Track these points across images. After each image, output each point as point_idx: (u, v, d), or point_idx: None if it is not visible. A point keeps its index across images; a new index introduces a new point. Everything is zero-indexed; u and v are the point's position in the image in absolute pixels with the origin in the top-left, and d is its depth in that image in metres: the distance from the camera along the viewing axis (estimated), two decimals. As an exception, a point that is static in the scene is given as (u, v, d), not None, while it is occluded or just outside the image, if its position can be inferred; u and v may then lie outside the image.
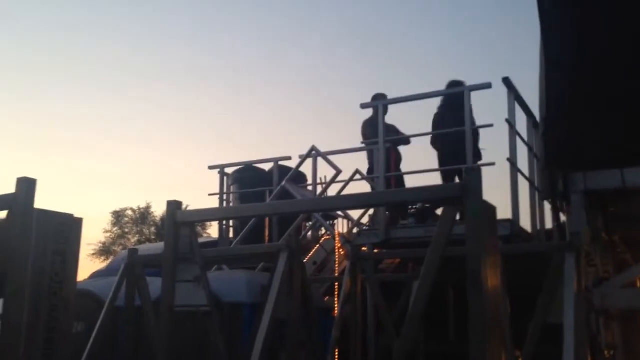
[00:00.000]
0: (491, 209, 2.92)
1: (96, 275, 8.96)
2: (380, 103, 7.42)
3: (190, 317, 4.01)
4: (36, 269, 3.03)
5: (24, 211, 2.96)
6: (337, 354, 5.73)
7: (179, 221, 3.57)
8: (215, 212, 5.16)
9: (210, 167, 8.91)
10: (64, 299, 3.17)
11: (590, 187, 4.86)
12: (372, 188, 8.07)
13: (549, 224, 7.25)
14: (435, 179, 7.60)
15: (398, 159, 8.24)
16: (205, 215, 5.12)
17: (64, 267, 3.16)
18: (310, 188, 8.63)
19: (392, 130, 8.09)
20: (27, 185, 2.97)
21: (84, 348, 5.06)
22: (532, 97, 6.88)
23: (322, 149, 8.02)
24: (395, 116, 8.29)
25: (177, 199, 3.67)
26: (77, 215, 3.31)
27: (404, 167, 8.41)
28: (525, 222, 7.14)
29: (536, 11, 5.22)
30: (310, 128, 48.42)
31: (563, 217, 6.20)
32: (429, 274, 2.91)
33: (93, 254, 34.46)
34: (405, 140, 8.20)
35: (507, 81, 6.60)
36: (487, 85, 6.58)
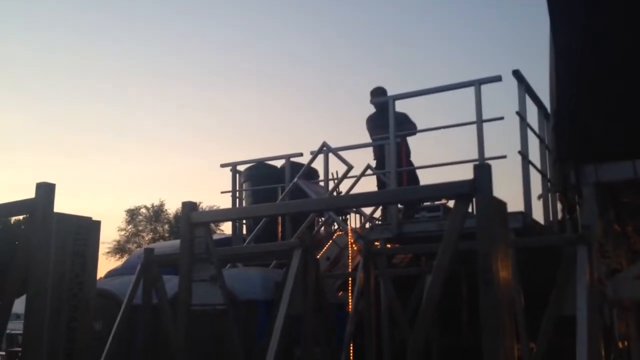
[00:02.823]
0: (501, 205, 2.95)
1: (111, 274, 9.06)
2: (390, 98, 7.44)
3: (206, 315, 4.08)
4: (56, 271, 3.12)
5: (43, 215, 3.03)
6: (352, 348, 5.78)
7: (194, 222, 3.64)
8: (229, 212, 5.21)
9: (223, 165, 8.98)
10: (84, 300, 3.25)
11: (602, 179, 4.84)
12: (383, 182, 8.11)
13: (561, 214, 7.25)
14: (445, 172, 7.65)
15: (407, 151, 8.25)
16: (220, 216, 5.20)
17: (83, 268, 3.24)
18: (322, 184, 8.67)
19: (401, 118, 8.11)
20: (46, 190, 3.05)
21: (102, 346, 5.15)
22: (543, 88, 6.87)
23: (333, 144, 8.07)
24: (403, 109, 8.35)
25: (191, 197, 3.75)
26: (92, 215, 3.39)
27: (413, 158, 8.44)
28: (538, 214, 7.17)
29: (545, 2, 5.21)
30: (321, 124, 48.40)
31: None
32: (441, 270, 2.95)
33: (108, 252, 34.82)
34: (411, 132, 8.20)
35: (517, 74, 6.59)
36: (497, 78, 6.58)
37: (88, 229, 3.27)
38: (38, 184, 3.08)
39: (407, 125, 8.17)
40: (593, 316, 4.19)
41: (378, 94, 8.55)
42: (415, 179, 8.16)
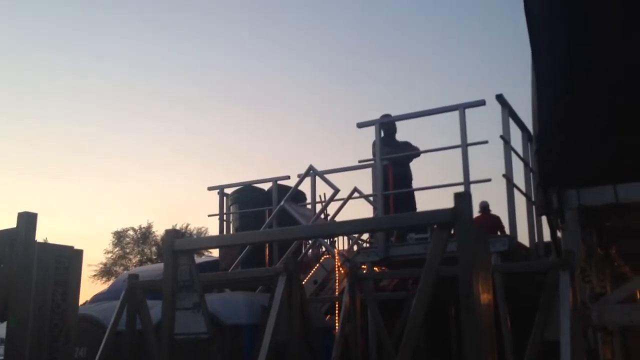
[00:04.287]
0: (482, 233, 2.98)
1: (98, 298, 8.98)
2: (376, 122, 7.51)
3: (191, 343, 4.07)
4: (38, 301, 3.10)
5: (25, 245, 3.03)
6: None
7: (178, 250, 3.63)
8: (213, 240, 5.23)
9: (210, 188, 8.98)
10: (65, 330, 3.23)
11: (584, 203, 4.90)
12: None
13: (547, 236, 7.31)
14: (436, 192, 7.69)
15: (406, 176, 8.17)
16: (203, 243, 5.18)
17: (65, 298, 3.23)
18: (309, 206, 8.69)
19: (404, 147, 8.12)
20: (27, 220, 3.04)
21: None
22: (527, 111, 6.98)
23: (321, 167, 8.11)
24: (402, 133, 8.44)
25: (179, 219, 3.77)
26: (78, 236, 3.40)
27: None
28: (524, 236, 7.23)
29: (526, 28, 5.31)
30: (308, 147, 48.56)
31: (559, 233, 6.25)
32: (424, 296, 2.97)
33: (94, 276, 34.32)
34: (414, 155, 8.18)
35: (500, 98, 6.69)
36: (481, 103, 6.67)
37: (70, 258, 3.26)
38: (20, 213, 3.07)
39: (409, 151, 8.13)
40: (576, 341, 4.21)
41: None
42: (412, 205, 8.07)
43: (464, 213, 2.82)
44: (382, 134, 8.24)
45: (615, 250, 6.24)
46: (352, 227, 3.68)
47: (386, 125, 7.80)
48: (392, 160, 7.63)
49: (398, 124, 8.22)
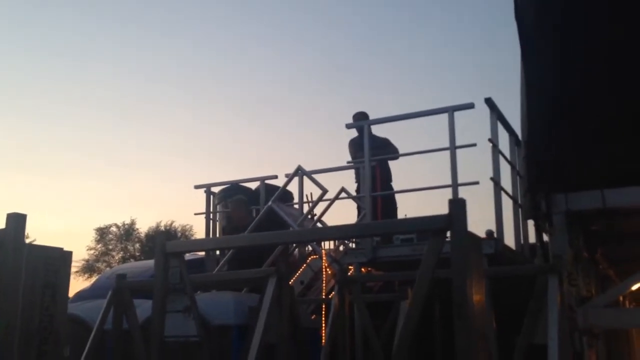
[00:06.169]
0: (476, 240, 2.99)
1: (80, 295, 8.86)
2: (365, 123, 7.51)
3: (179, 345, 4.03)
4: (27, 303, 3.05)
5: (14, 247, 2.98)
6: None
7: (169, 252, 3.59)
8: (205, 242, 5.19)
9: (197, 187, 8.91)
10: (54, 332, 3.18)
11: (571, 207, 4.95)
12: (358, 206, 8.15)
13: (532, 238, 7.36)
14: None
15: (386, 176, 8.29)
16: (195, 246, 5.14)
17: (53, 300, 3.18)
18: (296, 206, 8.66)
19: (382, 143, 8.18)
20: (16, 221, 2.99)
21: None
22: (515, 114, 7.02)
23: (308, 167, 8.10)
24: (382, 132, 8.47)
25: (163, 216, 3.73)
26: (60, 232, 3.34)
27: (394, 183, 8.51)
28: (510, 238, 7.27)
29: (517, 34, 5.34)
30: (296, 146, 48.52)
31: (546, 236, 6.31)
32: (417, 305, 2.96)
33: (76, 272, 33.98)
34: (393, 156, 8.29)
35: (489, 101, 6.71)
36: (470, 105, 6.69)
37: (59, 259, 3.21)
38: (9, 214, 3.02)
39: (388, 150, 8.24)
40: (564, 345, 4.25)
41: (359, 118, 8.61)
42: (393, 204, 8.18)
43: (459, 219, 2.82)
44: (358, 134, 8.31)
45: (600, 254, 6.31)
46: (343, 233, 3.67)
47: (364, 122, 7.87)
48: (381, 161, 7.69)
49: (387, 124, 8.24)
